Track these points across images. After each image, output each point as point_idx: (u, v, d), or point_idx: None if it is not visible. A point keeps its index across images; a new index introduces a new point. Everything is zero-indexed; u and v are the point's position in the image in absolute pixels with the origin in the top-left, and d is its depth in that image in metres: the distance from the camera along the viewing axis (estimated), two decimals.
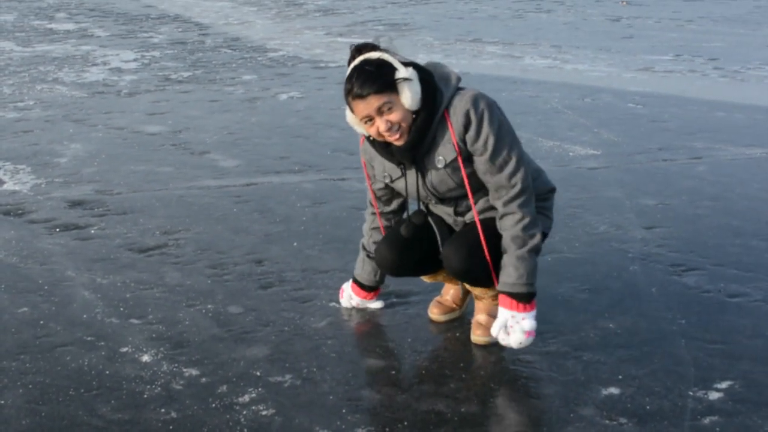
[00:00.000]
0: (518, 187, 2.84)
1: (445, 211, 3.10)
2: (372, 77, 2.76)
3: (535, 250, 2.87)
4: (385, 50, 2.83)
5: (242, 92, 7.85)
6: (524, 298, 2.87)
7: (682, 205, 4.70)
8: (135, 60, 9.66)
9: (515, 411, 2.74)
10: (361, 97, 2.77)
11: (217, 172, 5.32)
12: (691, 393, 2.81)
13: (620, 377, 2.91)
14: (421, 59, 3.10)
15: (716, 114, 7.03)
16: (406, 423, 2.66)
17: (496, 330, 2.92)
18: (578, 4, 16.02)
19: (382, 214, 3.23)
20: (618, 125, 6.56)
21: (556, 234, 4.06)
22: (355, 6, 15.68)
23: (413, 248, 3.11)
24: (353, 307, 3.44)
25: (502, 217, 2.89)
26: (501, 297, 2.90)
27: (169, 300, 3.53)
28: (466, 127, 2.81)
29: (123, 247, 4.09)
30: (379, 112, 2.78)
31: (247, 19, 13.78)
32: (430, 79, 2.84)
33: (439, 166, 2.89)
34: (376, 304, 3.42)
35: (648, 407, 2.73)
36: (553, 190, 3.13)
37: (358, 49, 2.84)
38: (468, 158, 2.87)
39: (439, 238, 3.10)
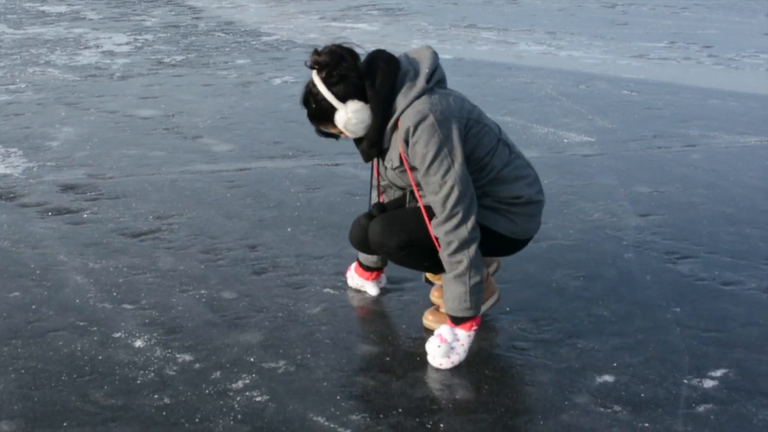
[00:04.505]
0: (447, 212, 2.82)
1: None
2: (313, 115, 2.92)
3: (461, 276, 2.86)
4: (336, 67, 2.82)
5: (236, 76, 7.80)
6: (453, 319, 2.95)
7: (676, 193, 4.69)
8: (128, 43, 9.59)
9: (509, 398, 2.74)
10: (311, 123, 2.97)
11: (210, 157, 5.29)
12: (685, 381, 2.82)
13: (614, 365, 2.91)
14: (416, 44, 3.07)
15: (711, 102, 7.02)
16: (400, 410, 2.66)
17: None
18: None
19: (381, 186, 3.23)
20: (612, 112, 6.54)
21: (551, 221, 4.05)
22: None
23: None
24: (354, 289, 3.46)
25: (436, 238, 2.89)
26: None
27: (162, 285, 3.51)
28: (407, 141, 2.84)
29: (115, 231, 4.07)
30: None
31: (241, 2, 13.69)
32: (390, 85, 2.83)
33: (388, 166, 2.98)
34: (373, 290, 3.42)
35: (642, 395, 2.73)
36: (540, 202, 3.06)
37: (313, 66, 2.86)
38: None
39: None
